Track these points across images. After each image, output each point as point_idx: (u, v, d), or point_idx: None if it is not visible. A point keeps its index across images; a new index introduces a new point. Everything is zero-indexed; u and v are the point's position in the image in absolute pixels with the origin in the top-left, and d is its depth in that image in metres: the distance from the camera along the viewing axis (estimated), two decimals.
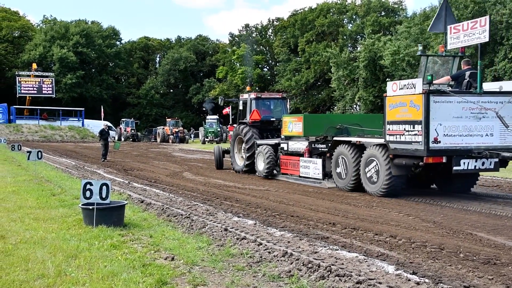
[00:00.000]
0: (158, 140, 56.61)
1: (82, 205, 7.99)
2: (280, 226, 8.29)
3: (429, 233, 7.83)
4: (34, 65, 64.64)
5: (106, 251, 6.35)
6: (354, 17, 64.56)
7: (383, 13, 62.32)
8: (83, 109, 63.87)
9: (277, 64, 73.22)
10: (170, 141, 53.57)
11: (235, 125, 19.57)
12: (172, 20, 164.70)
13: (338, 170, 13.69)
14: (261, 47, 77.61)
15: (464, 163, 11.22)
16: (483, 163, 11.39)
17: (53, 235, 7.25)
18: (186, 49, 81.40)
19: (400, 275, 5.35)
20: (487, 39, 11.08)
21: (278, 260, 6.05)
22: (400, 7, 63.07)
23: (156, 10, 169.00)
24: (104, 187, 7.85)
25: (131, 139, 59.33)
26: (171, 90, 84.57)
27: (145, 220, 8.55)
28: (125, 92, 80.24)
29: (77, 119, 63.42)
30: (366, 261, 5.94)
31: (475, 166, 11.36)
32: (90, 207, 7.78)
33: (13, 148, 23.09)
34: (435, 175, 13.18)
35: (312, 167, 15.04)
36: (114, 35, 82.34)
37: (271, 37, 78.21)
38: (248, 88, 22.98)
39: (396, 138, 11.65)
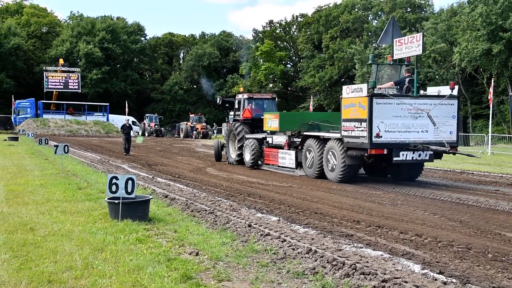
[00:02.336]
0: (181, 135, 56.96)
1: (108, 199, 8.08)
2: (304, 223, 8.27)
3: (456, 233, 7.72)
4: (61, 61, 65.60)
5: (131, 245, 6.41)
6: (379, 13, 63.90)
7: (409, 9, 61.54)
8: (108, 104, 64.60)
9: (301, 60, 72.90)
10: (193, 136, 53.86)
11: (230, 122, 21.68)
12: (196, 16, 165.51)
13: (307, 160, 15.96)
14: (285, 43, 77.39)
15: (403, 154, 13.40)
16: (419, 155, 13.52)
17: (80, 228, 7.36)
18: (210, 45, 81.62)
19: (426, 275, 5.29)
20: (421, 52, 13.63)
21: (302, 257, 6.04)
22: (427, 3, 62.21)
23: (181, 6, 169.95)
24: (130, 182, 7.92)
25: (154, 134, 59.75)
26: (195, 86, 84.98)
27: (169, 215, 8.61)
28: (149, 88, 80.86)
29: (102, 114, 64.12)
30: (391, 260, 5.88)
31: (412, 157, 13.50)
32: (116, 201, 7.86)
33: (40, 142, 23.57)
34: (387, 165, 15.00)
35: (288, 158, 17.24)
36: (139, 31, 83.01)
37: (295, 33, 77.92)
38: (241, 89, 24.80)
39: (349, 133, 13.85)
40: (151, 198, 8.55)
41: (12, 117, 57.80)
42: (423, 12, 60.71)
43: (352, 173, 14.40)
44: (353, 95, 13.78)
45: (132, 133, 27.76)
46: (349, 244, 6.62)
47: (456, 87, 14.38)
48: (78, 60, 72.17)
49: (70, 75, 64.17)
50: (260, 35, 78.08)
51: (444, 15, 47.41)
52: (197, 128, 54.24)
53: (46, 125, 56.02)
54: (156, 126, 60.66)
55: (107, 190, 7.93)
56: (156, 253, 6.03)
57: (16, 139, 35.66)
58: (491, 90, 29.42)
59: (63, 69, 64.36)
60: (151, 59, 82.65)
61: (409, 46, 13.90)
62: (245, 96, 21.14)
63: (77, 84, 64.39)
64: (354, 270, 5.38)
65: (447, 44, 44.71)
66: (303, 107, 64.20)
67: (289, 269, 5.58)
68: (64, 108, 62.00)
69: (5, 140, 35.40)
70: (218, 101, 23.66)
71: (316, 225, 8.17)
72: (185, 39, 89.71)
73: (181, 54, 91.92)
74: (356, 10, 65.67)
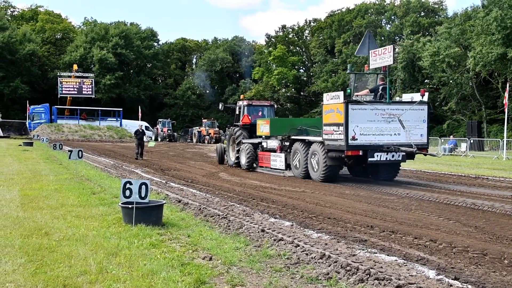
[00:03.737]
0: (194, 140, 57.14)
1: (121, 203, 8.12)
2: (317, 228, 8.26)
3: (471, 238, 7.66)
4: (75, 66, 66.06)
5: (145, 250, 6.44)
6: (392, 17, 63.70)
7: (422, 14, 61.26)
8: (121, 109, 64.88)
9: (314, 65, 72.91)
10: (206, 141, 54.01)
11: (231, 127, 23.13)
12: (208, 21, 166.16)
13: (294, 162, 17.40)
14: (297, 48, 77.43)
15: (377, 155, 14.72)
16: (392, 156, 14.86)
17: (94, 233, 7.40)
18: (223, 50, 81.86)
19: (441, 280, 5.25)
20: (391, 63, 15.09)
21: (316, 262, 6.02)
22: (441, 7, 61.88)
23: (193, 11, 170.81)
24: (143, 187, 7.96)
25: (167, 139, 60.00)
26: (207, 91, 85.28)
27: (182, 219, 8.64)
28: (162, 93, 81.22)
29: (115, 119, 64.37)
30: (406, 265, 5.85)
31: (386, 158, 14.82)
32: (130, 206, 7.90)
33: (54, 147, 23.72)
34: (367, 166, 16.09)
35: (278, 160, 18.73)
36: (152, 37, 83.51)
37: (308, 38, 77.93)
38: (242, 96, 25.97)
39: (329, 136, 15.22)
40: (165, 203, 8.58)
41: (27, 123, 58.28)
42: (436, 16, 60.39)
43: (333, 173, 15.89)
44: (332, 102, 15.15)
45: (145, 139, 27.94)
46: (363, 250, 6.59)
47: (426, 94, 15.72)
48: (92, 66, 72.77)
49: (84, 81, 64.48)
50: (273, 40, 78.25)
51: (458, 19, 47.09)
52: (210, 133, 54.40)
53: (60, 130, 56.51)
54: (169, 131, 60.90)
55: (121, 195, 7.98)
56: (169, 257, 6.05)
57: (31, 144, 36.00)
58: (506, 94, 29.16)
59: (77, 74, 64.77)
60: (164, 64, 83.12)
61: (382, 57, 15.23)
62: (245, 103, 22.68)
63: (90, 89, 64.69)
64: (368, 276, 5.35)
65: (461, 49, 44.42)
66: (315, 112, 64.16)
67: (303, 274, 5.57)
68: (78, 114, 62.47)
69: (20, 145, 35.75)
70: (220, 107, 25.26)
71: (329, 230, 8.16)
72: (198, 44, 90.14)
73: (194, 59, 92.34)
74: (369, 14, 65.53)
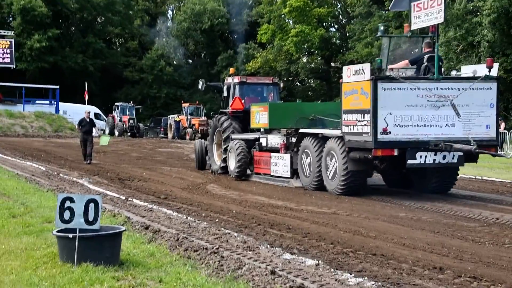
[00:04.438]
0: (170, 135, 57.21)
1: (57, 231, 8.09)
2: (355, 270, 8.23)
3: None
4: None
5: None
6: None
7: None
8: (58, 87, 63.32)
9: (351, 21, 72.71)
10: (188, 137, 53.96)
11: (216, 116, 23.57)
12: None
13: (304, 166, 17.72)
14: None
15: (420, 156, 14.81)
16: (444, 157, 14.96)
17: (12, 278, 7.38)
18: None
19: None
20: (442, 20, 15.11)
21: None
22: None
23: None
24: (92, 205, 7.93)
25: (129, 134, 60.12)
26: (190, 61, 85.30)
27: (151, 255, 8.61)
28: (121, 63, 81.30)
29: (48, 102, 63.86)
30: None
31: (434, 160, 14.93)
32: (70, 235, 7.86)
33: None
34: (410, 172, 16.71)
35: (281, 164, 18.99)
36: None
37: None
38: (231, 70, 26.22)
39: (350, 129, 15.53)
40: (124, 230, 8.56)
41: None
42: None
43: (357, 182, 16.18)
44: (354, 79, 15.44)
45: (94, 132, 27.95)
46: None
47: (496, 65, 15.82)
48: (10, 19, 72.46)
49: None
50: None
51: None
52: (194, 124, 54.40)
53: None
54: (132, 121, 60.95)
55: (56, 218, 7.95)
56: None
57: None
58: None
59: None
60: (124, 18, 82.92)
61: (429, 13, 15.05)
62: (236, 80, 22.95)
63: (9, 56, 63.48)
64: None
65: None
66: None
67: None
68: None
69: None
70: (200, 87, 25.92)
71: (374, 273, 8.12)
72: None
73: (170, 12, 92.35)
74: None
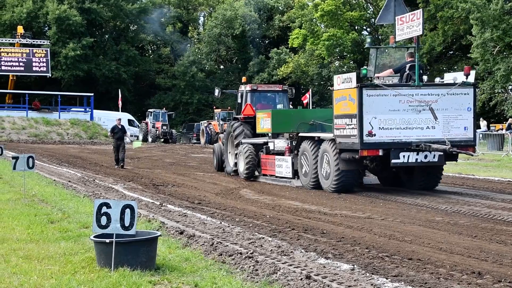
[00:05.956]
0: (202, 140, 57.32)
1: (94, 236, 8.17)
2: (391, 275, 8.20)
3: None
4: (20, 29, 65.02)
5: None
6: None
7: None
8: (92, 94, 64.00)
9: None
10: (220, 142, 54.03)
11: (230, 122, 25.69)
12: None
13: (303, 167, 19.24)
14: None
15: (403, 156, 16.38)
16: (425, 156, 16.52)
17: (52, 282, 7.45)
18: (244, 3, 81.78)
19: None
20: (421, 32, 16.52)
21: None
22: None
23: None
24: (127, 211, 7.98)
25: (162, 139, 60.35)
26: (222, 67, 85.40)
27: (187, 260, 8.66)
28: (154, 70, 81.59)
29: (83, 110, 64.52)
30: None
31: (416, 160, 16.49)
32: (107, 241, 7.94)
33: None
34: (398, 172, 18.45)
35: (284, 166, 20.53)
36: None
37: None
38: (244, 79, 27.53)
39: (340, 132, 17.14)
40: (160, 235, 8.62)
41: None
42: None
43: (349, 181, 17.69)
44: (343, 86, 17.13)
45: (127, 139, 28.29)
46: None
47: (473, 72, 17.41)
48: (46, 28, 72.92)
49: (34, 51, 63.39)
50: None
51: None
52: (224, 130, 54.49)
53: None
54: (165, 128, 61.14)
55: (93, 223, 8.01)
56: None
57: None
58: None
59: (24, 41, 64.30)
60: (156, 26, 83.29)
61: (410, 25, 16.68)
62: (248, 88, 24.77)
63: (45, 64, 63.90)
64: None
65: None
66: None
67: None
68: (26, 101, 61.95)
69: None
70: (216, 94, 28.63)
71: (411, 277, 8.08)
72: None
73: (201, 18, 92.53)
74: None
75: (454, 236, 11.33)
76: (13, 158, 16.71)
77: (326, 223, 12.65)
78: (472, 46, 49.44)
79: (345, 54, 72.41)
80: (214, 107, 62.68)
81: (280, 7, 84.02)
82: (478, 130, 40.86)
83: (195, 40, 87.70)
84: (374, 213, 14.13)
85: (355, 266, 8.51)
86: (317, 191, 18.67)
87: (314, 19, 70.95)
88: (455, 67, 60.12)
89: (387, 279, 7.84)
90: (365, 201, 16.42)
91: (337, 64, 72.64)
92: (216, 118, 56.92)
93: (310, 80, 71.25)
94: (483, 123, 43.08)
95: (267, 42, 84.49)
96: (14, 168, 16.41)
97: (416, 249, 9.96)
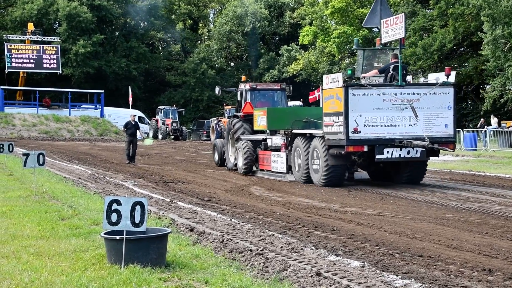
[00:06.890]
0: (212, 137, 57.34)
1: (104, 233, 8.20)
2: (402, 272, 8.19)
3: None
4: (31, 25, 65.39)
5: None
6: None
7: None
8: (103, 91, 63.99)
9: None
10: None
11: (230, 119, 26.43)
12: None
13: (295, 163, 20.24)
14: None
15: (387, 152, 17.40)
16: (408, 152, 17.48)
17: (63, 279, 7.48)
18: (255, 0, 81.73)
19: None
20: (403, 35, 17.66)
21: None
22: None
23: None
24: (138, 208, 7.99)
25: (172, 136, 60.41)
26: (232, 64, 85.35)
27: (197, 257, 8.68)
28: (164, 67, 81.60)
29: (93, 107, 64.66)
30: None
31: (399, 155, 17.50)
32: (118, 238, 7.97)
33: (1, 149, 23.68)
34: (385, 167, 19.46)
35: (279, 161, 21.55)
36: None
37: None
38: (243, 77, 28.26)
39: (329, 129, 18.09)
40: (170, 232, 8.65)
41: None
42: None
43: (337, 175, 18.63)
44: (331, 86, 18.06)
45: (138, 135, 28.44)
46: None
47: (453, 73, 18.26)
48: (57, 25, 72.87)
49: (44, 48, 63.91)
50: None
51: None
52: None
53: (10, 123, 56.74)
54: (175, 125, 61.21)
55: (104, 220, 8.03)
56: None
57: None
58: None
59: (34, 38, 64.63)
60: (166, 23, 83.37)
61: (394, 28, 17.70)
62: (247, 86, 25.63)
63: (55, 61, 64.06)
64: None
65: None
66: None
67: None
68: (36, 98, 61.84)
69: None
70: (217, 92, 29.19)
71: (421, 275, 8.07)
72: None
73: (211, 15, 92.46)
74: None
75: (465, 233, 11.30)
76: (23, 155, 16.73)
77: (336, 220, 12.65)
78: (483, 43, 49.24)
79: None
80: (224, 104, 62.63)
81: (290, 4, 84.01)
82: (489, 127, 40.96)
83: (206, 37, 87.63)
84: (384, 210, 14.12)
85: (365, 263, 8.52)
86: (328, 188, 18.70)
87: (324, 16, 70.83)
88: (466, 64, 60.00)
89: (397, 276, 7.84)
90: (375, 198, 16.40)
91: (347, 62, 72.47)
92: (226, 115, 56.81)
93: (321, 77, 71.14)
94: (494, 120, 43.10)
95: (277, 39, 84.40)
96: (25, 165, 16.48)
97: (427, 246, 9.94)
